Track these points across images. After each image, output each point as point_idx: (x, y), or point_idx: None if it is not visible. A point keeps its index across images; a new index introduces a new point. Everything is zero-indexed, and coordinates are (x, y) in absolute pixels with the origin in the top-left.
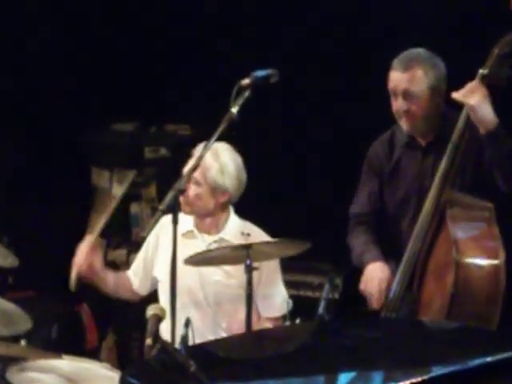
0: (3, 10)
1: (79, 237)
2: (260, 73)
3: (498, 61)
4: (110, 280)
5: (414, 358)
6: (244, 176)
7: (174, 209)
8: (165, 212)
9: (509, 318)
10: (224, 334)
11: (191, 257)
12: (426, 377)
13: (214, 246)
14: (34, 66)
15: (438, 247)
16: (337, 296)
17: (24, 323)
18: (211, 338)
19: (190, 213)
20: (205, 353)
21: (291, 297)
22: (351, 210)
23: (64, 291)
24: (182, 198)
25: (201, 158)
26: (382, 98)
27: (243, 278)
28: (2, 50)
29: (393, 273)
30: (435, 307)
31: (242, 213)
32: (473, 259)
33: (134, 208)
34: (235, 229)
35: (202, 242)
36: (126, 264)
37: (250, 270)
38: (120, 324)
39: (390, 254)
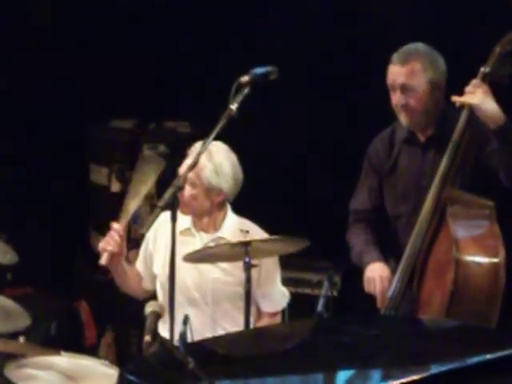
0: (3, 10)
1: (78, 233)
2: (259, 70)
3: (499, 59)
4: (127, 269)
5: (412, 356)
6: (240, 175)
7: (172, 206)
8: (164, 209)
9: (508, 316)
10: (222, 332)
11: (190, 254)
12: (424, 374)
13: (212, 244)
14: (33, 63)
15: (438, 245)
16: (335, 293)
17: (23, 320)
18: (209, 335)
19: (187, 213)
20: (203, 350)
21: (290, 294)
22: (351, 206)
23: (63, 288)
24: (180, 197)
25: (199, 155)
26: (383, 95)
27: (241, 275)
28: (1, 48)
29: (392, 271)
30: (435, 305)
31: (241, 210)
32: (473, 257)
33: None
34: (233, 227)
35: (199, 241)
36: (125, 261)
37: (248, 267)
38: (119, 321)
39: (389, 251)
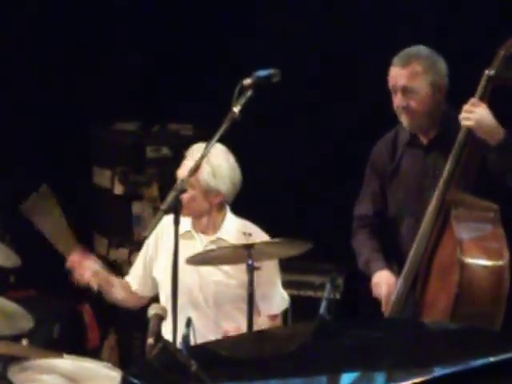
0: (4, 9)
1: (81, 236)
2: (262, 72)
3: (504, 62)
4: (115, 282)
5: (416, 359)
6: (238, 176)
7: (175, 209)
8: (166, 212)
9: None
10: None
11: (193, 256)
12: (428, 377)
13: (212, 246)
14: (36, 65)
15: (442, 248)
16: (338, 296)
17: (26, 322)
18: (212, 338)
19: (186, 214)
20: (206, 353)
21: (292, 297)
22: (355, 212)
23: (66, 290)
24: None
25: (203, 157)
26: (387, 97)
27: (243, 277)
28: (2, 48)
29: (396, 274)
30: (439, 308)
31: (243, 213)
32: (477, 259)
33: (136, 207)
34: (233, 228)
35: (199, 243)
36: (128, 263)
37: (251, 269)
38: (122, 323)
39: (392, 255)
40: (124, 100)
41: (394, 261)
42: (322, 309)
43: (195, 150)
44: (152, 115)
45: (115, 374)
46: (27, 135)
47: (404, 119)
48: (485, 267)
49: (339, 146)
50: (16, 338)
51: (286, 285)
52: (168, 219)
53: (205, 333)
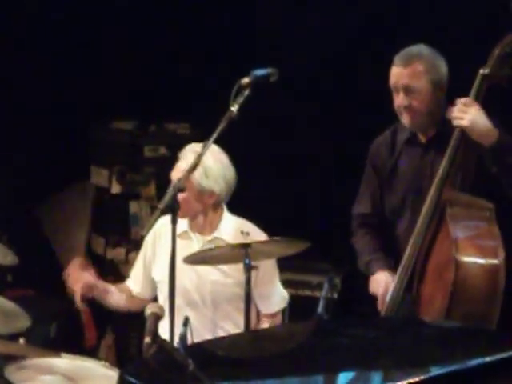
0: (4, 9)
1: None
2: (260, 72)
3: (498, 60)
4: (112, 291)
5: (412, 358)
6: (231, 176)
7: (173, 208)
8: (164, 211)
9: (508, 318)
10: (222, 334)
11: (190, 256)
12: (424, 377)
13: (209, 245)
14: (34, 65)
15: (437, 246)
16: (336, 295)
17: (23, 321)
18: (209, 337)
19: (181, 216)
20: (203, 352)
21: (290, 296)
22: (354, 211)
23: (63, 290)
24: None
25: (201, 156)
26: (385, 96)
27: (240, 277)
28: (2, 48)
29: (395, 273)
30: (435, 306)
31: (241, 212)
32: (472, 258)
33: (134, 207)
34: (230, 227)
35: (196, 243)
36: (125, 263)
37: (249, 268)
38: (119, 322)
39: (388, 253)
40: (122, 99)
41: (392, 259)
42: (320, 308)
43: (188, 151)
44: (149, 114)
45: (112, 373)
46: (25, 135)
47: (405, 118)
48: (480, 266)
49: (339, 145)
50: (13, 337)
51: (284, 284)
52: (165, 220)
53: (202, 332)
